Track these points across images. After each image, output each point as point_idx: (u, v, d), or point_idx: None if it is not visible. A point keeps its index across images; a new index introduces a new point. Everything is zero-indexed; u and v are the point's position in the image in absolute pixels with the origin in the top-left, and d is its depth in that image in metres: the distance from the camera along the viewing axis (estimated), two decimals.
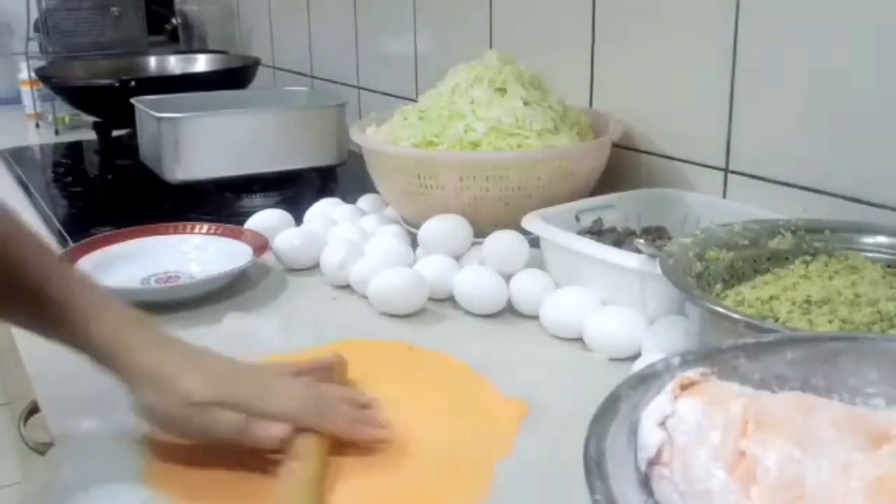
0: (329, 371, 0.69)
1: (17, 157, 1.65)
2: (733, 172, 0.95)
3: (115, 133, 1.69)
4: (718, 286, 0.71)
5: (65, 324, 0.61)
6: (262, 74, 1.86)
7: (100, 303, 0.62)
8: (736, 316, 0.60)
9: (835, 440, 0.42)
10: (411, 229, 1.01)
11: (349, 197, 1.16)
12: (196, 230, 1.04)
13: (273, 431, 0.59)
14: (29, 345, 0.79)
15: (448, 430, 0.65)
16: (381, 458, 0.61)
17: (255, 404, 0.60)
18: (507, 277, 0.87)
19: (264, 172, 1.30)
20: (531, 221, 0.88)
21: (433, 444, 0.63)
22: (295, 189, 1.32)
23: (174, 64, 1.98)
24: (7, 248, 0.60)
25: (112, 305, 0.62)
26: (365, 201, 1.14)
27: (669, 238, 0.90)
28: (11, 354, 0.85)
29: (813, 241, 0.75)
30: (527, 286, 0.85)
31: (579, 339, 0.79)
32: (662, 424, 0.44)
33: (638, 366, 0.68)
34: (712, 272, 0.72)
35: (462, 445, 0.63)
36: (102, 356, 0.60)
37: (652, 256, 0.74)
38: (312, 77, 1.86)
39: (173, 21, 2.39)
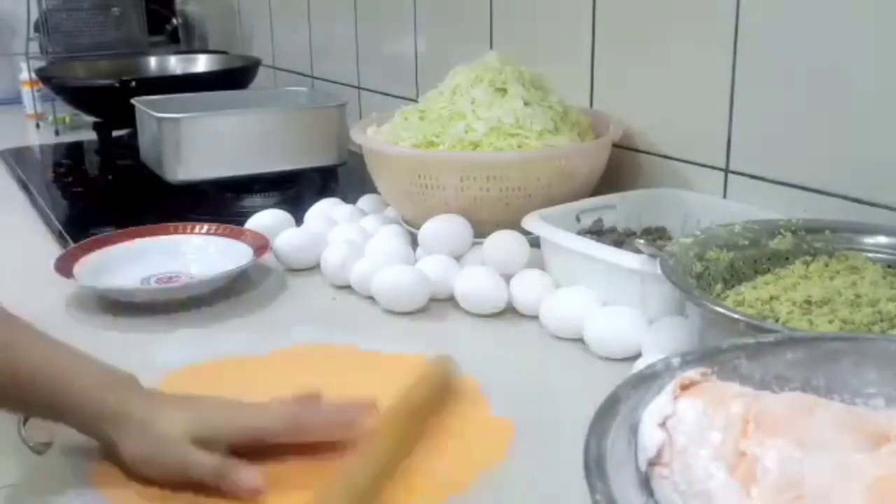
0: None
1: (18, 158, 1.65)
2: (733, 172, 0.95)
3: (116, 133, 1.69)
4: (719, 286, 0.71)
5: (37, 390, 0.59)
6: (262, 74, 1.86)
7: (74, 362, 0.61)
8: (736, 316, 0.60)
9: (835, 440, 0.42)
10: (412, 229, 1.01)
11: (349, 197, 1.16)
12: (196, 230, 1.04)
13: (249, 480, 0.57)
14: None
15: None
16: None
17: (238, 428, 0.59)
18: (508, 277, 0.87)
19: (264, 172, 1.30)
20: (531, 221, 0.88)
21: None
22: (295, 189, 1.32)
23: (174, 64, 1.98)
24: None
25: (85, 363, 0.61)
26: (365, 201, 1.14)
27: (670, 238, 0.90)
28: None
29: (813, 242, 0.75)
30: (527, 286, 0.85)
31: (579, 339, 0.79)
32: (663, 425, 0.44)
33: (638, 366, 0.68)
34: (712, 272, 0.72)
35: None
36: (85, 418, 0.59)
37: (652, 256, 0.74)
38: (313, 77, 1.86)
39: (174, 21, 2.39)
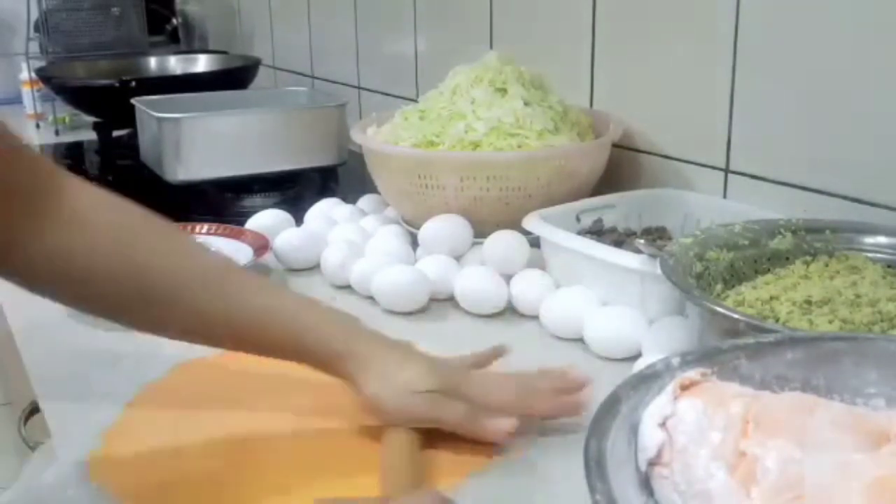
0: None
1: None
2: (733, 172, 0.95)
3: (116, 133, 1.69)
4: (719, 286, 0.71)
5: (272, 335, 0.63)
6: (262, 74, 1.86)
7: (307, 308, 0.65)
8: (736, 316, 0.60)
9: (835, 440, 0.42)
10: (412, 229, 1.01)
11: (349, 197, 1.16)
12: (196, 230, 1.03)
13: (502, 424, 0.61)
14: (29, 345, 0.79)
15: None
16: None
17: (475, 394, 0.63)
18: (508, 277, 0.87)
19: (264, 172, 1.30)
20: (531, 221, 0.88)
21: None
22: (295, 189, 1.32)
23: (174, 64, 1.98)
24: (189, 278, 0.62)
25: (315, 307, 0.65)
26: (365, 201, 1.14)
27: (670, 238, 0.90)
28: (11, 354, 0.85)
29: (813, 242, 0.75)
30: (527, 286, 0.85)
31: (579, 339, 0.79)
32: (663, 425, 0.44)
33: (638, 366, 0.68)
34: (712, 272, 0.71)
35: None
36: (322, 358, 0.63)
37: (652, 256, 0.74)
38: (313, 77, 1.86)
39: (174, 21, 2.39)
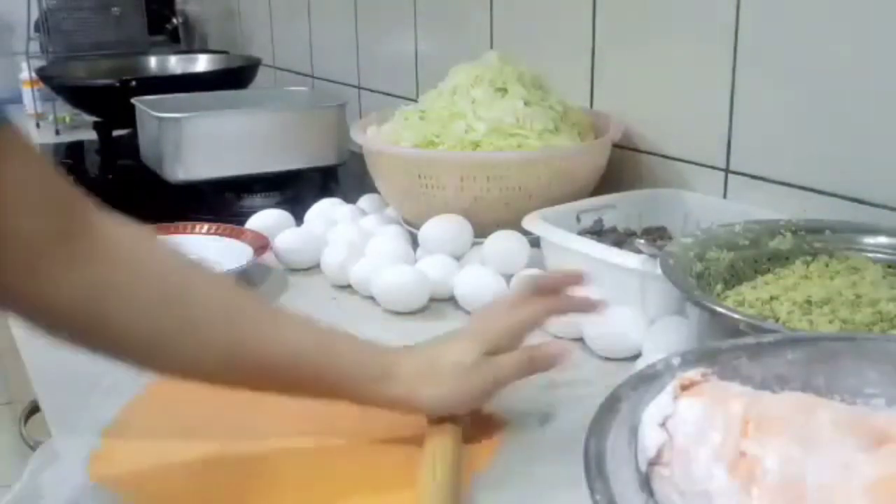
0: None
1: None
2: (733, 172, 0.95)
3: (116, 133, 1.69)
4: (719, 286, 0.71)
5: (303, 372, 0.59)
6: (262, 74, 1.86)
7: (332, 338, 0.61)
8: (736, 316, 0.60)
9: (835, 440, 0.42)
10: (412, 229, 1.01)
11: (350, 197, 1.16)
12: (196, 230, 1.03)
13: (553, 349, 0.64)
14: (29, 345, 0.79)
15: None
16: None
17: (508, 340, 0.63)
18: (508, 278, 0.87)
19: (264, 172, 1.30)
20: (532, 222, 0.88)
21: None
22: (295, 189, 1.31)
23: (175, 64, 1.98)
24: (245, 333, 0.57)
25: (337, 334, 0.61)
26: (365, 201, 1.14)
27: (670, 238, 0.90)
28: (11, 354, 0.85)
29: (813, 242, 0.75)
30: None
31: (579, 339, 0.78)
32: (663, 425, 0.44)
33: (638, 366, 0.68)
34: (713, 272, 0.71)
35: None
36: (359, 389, 0.59)
37: (652, 256, 0.74)
38: (313, 77, 1.86)
39: (174, 21, 2.39)
